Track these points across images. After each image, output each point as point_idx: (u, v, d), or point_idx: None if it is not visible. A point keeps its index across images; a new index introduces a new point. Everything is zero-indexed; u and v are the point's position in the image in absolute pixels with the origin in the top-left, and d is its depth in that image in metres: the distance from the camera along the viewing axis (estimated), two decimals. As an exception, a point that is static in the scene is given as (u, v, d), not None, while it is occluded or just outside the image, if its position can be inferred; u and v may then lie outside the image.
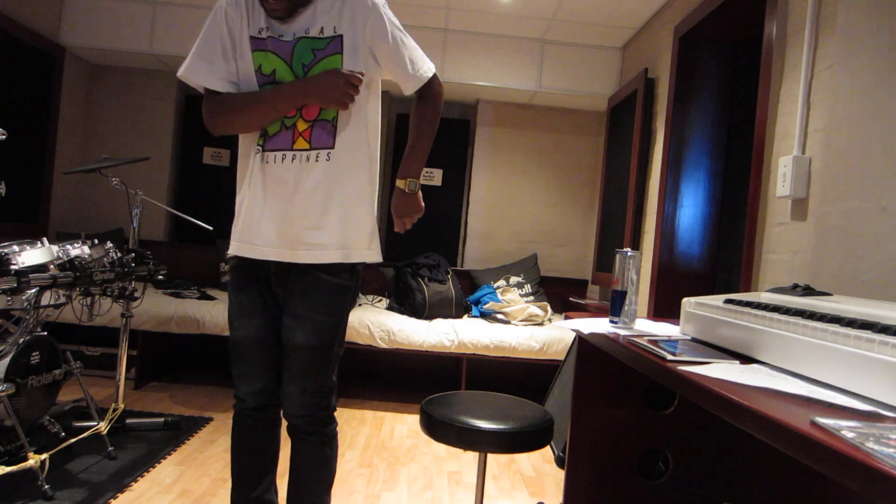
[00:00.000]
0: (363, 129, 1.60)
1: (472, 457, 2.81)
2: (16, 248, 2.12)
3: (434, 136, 1.70)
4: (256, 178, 1.53)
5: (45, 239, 2.29)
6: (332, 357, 1.57)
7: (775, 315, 1.01)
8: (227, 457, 2.57)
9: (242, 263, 1.57)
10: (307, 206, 1.51)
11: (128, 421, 2.75)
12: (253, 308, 1.56)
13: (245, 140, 1.58)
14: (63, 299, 2.41)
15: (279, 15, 1.49)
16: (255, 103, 1.51)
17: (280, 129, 1.52)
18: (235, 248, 1.57)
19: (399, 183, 1.68)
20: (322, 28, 1.51)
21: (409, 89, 1.64)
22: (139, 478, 2.29)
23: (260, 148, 1.53)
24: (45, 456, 2.06)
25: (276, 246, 1.52)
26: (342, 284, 1.56)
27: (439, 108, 1.69)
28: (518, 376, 4.01)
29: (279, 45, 1.51)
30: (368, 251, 1.60)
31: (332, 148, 1.53)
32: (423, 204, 1.68)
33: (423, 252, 4.28)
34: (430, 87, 1.66)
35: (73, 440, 2.31)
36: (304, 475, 1.64)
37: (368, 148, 1.63)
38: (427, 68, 1.64)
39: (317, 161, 1.51)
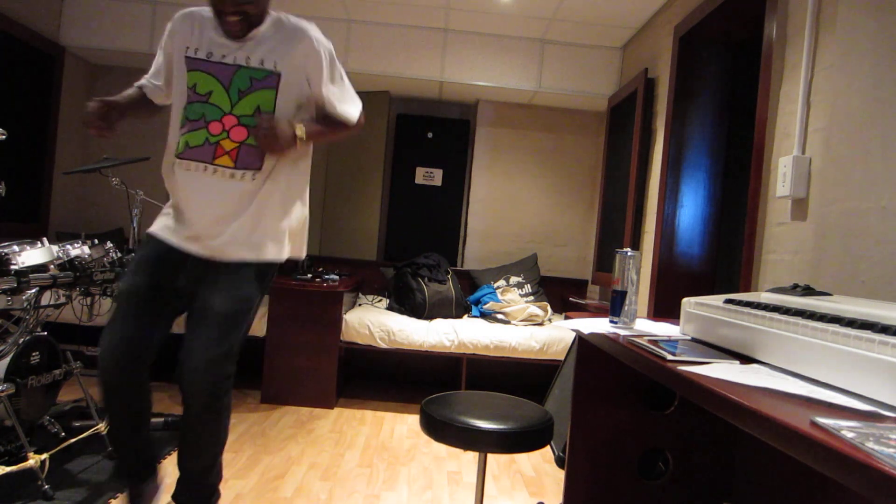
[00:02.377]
0: (290, 155, 1.72)
1: (472, 457, 2.81)
2: (16, 248, 2.12)
3: (333, 136, 1.85)
4: (179, 181, 1.69)
5: (45, 239, 2.29)
6: (240, 327, 1.65)
7: (775, 315, 1.01)
8: (227, 457, 2.57)
9: (159, 241, 1.69)
10: (229, 214, 1.65)
11: (128, 421, 2.74)
12: (151, 272, 1.65)
13: (169, 138, 1.74)
14: (63, 299, 2.41)
15: (236, 34, 1.61)
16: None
17: (203, 143, 1.64)
18: (162, 230, 1.69)
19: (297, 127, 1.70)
20: (262, 60, 1.64)
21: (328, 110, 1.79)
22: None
23: (179, 158, 1.68)
24: (45, 456, 2.06)
25: (198, 240, 1.66)
26: (260, 266, 1.70)
27: (349, 132, 1.85)
28: (518, 376, 4.00)
29: (219, 69, 1.63)
30: (279, 253, 1.74)
31: (259, 170, 1.67)
32: (287, 143, 1.65)
33: (423, 252, 4.28)
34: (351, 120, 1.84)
35: (73, 440, 2.30)
36: (194, 439, 1.69)
37: (296, 168, 1.77)
38: (353, 114, 1.81)
39: (241, 180, 1.65)
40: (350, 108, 1.80)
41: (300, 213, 1.81)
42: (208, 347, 1.59)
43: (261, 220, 1.68)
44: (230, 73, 1.62)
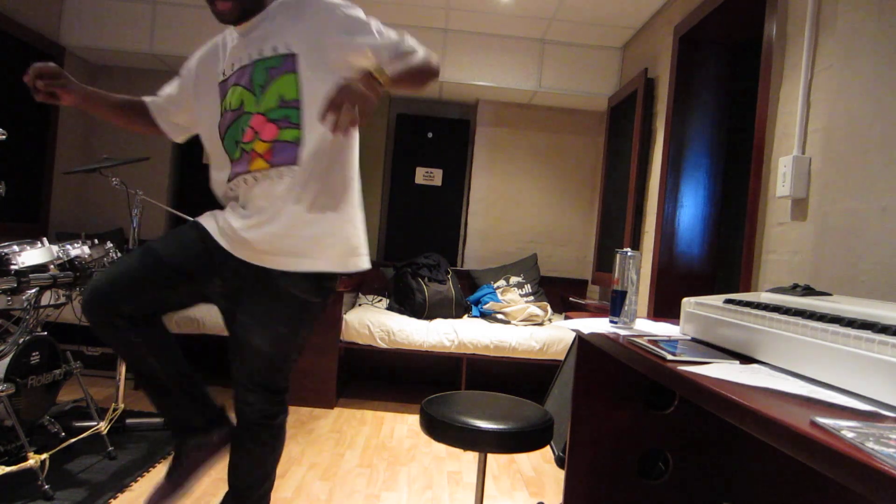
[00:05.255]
0: (335, 145, 1.51)
1: (472, 457, 2.81)
2: (16, 248, 2.12)
3: (419, 78, 1.47)
4: (230, 201, 1.58)
5: (45, 239, 2.29)
6: (288, 358, 1.55)
7: (775, 315, 1.01)
8: (227, 457, 2.57)
9: (208, 237, 1.53)
10: (271, 218, 1.48)
11: (128, 421, 2.75)
12: (188, 255, 1.51)
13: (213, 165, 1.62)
14: (63, 299, 2.41)
15: (229, 19, 1.50)
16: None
17: (240, 156, 1.52)
18: (212, 228, 1.53)
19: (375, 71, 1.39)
20: (275, 47, 1.48)
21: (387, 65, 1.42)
22: (139, 478, 2.29)
23: (224, 179, 1.57)
24: (45, 456, 2.06)
25: (246, 248, 1.49)
26: (304, 299, 1.52)
27: (431, 72, 1.49)
28: (518, 376, 4.01)
29: (239, 75, 1.52)
30: (340, 264, 1.55)
31: (295, 164, 1.48)
32: (367, 94, 1.30)
33: (423, 252, 4.28)
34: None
35: (73, 440, 2.30)
36: (247, 462, 1.59)
37: (339, 161, 1.55)
38: (419, 53, 1.47)
39: (280, 179, 1.48)
40: (412, 49, 1.48)
41: (353, 213, 1.58)
42: (253, 379, 1.51)
43: (306, 223, 1.49)
44: (248, 73, 1.50)
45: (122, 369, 2.73)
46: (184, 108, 1.67)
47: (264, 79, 1.48)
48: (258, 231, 1.48)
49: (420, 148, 4.64)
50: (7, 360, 2.08)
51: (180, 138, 1.74)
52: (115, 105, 1.69)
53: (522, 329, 3.70)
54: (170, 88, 1.69)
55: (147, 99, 1.70)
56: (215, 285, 1.55)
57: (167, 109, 1.69)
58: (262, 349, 1.49)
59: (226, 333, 1.61)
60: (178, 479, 1.58)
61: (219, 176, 1.59)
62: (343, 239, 1.55)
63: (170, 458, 1.63)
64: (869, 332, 0.81)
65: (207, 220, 1.55)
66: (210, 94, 1.58)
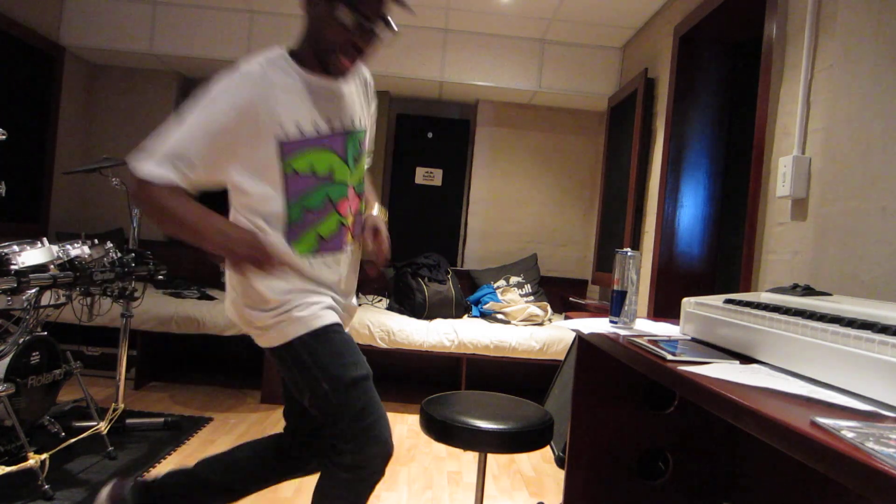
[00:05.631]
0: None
1: (472, 457, 2.81)
2: (16, 248, 2.12)
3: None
4: (318, 274, 1.39)
5: (45, 239, 2.29)
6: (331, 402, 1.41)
7: (775, 315, 1.01)
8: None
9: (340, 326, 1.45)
10: (354, 284, 1.52)
11: (128, 421, 2.75)
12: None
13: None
14: (63, 299, 2.41)
15: (343, 73, 1.36)
16: (191, 232, 1.28)
17: (337, 228, 1.40)
18: (333, 315, 1.43)
19: (380, 212, 1.55)
20: (360, 119, 1.42)
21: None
22: (139, 478, 2.29)
23: (313, 256, 1.39)
24: (45, 456, 2.06)
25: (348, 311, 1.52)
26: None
27: None
28: (518, 376, 4.00)
29: (335, 140, 1.36)
30: None
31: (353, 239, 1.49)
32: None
33: (423, 252, 4.28)
34: None
35: (73, 440, 2.30)
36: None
37: None
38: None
39: (355, 250, 1.49)
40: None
41: None
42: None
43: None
44: (342, 141, 1.37)
45: (122, 369, 2.73)
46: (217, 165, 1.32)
47: (357, 152, 1.42)
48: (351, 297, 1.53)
49: (420, 148, 4.64)
50: (7, 360, 2.08)
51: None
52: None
53: (522, 329, 3.70)
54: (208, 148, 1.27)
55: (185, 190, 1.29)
56: None
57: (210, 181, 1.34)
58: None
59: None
60: None
61: (281, 237, 1.35)
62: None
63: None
64: (869, 332, 0.81)
65: (332, 317, 1.42)
66: (271, 148, 1.30)
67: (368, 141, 1.52)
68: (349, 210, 1.42)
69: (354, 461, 1.39)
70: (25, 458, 2.00)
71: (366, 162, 1.51)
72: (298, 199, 1.34)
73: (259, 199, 1.32)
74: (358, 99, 1.45)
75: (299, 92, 1.32)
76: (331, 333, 1.38)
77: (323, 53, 1.31)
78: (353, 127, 1.40)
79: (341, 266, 1.44)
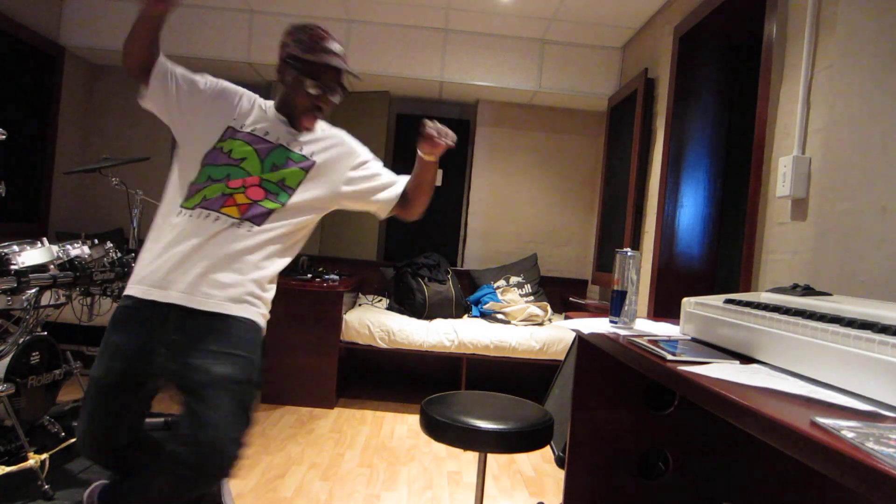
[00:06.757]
0: (289, 243, 1.66)
1: (472, 457, 2.81)
2: (16, 248, 2.12)
3: (429, 192, 1.81)
4: (176, 226, 1.55)
5: (45, 239, 2.29)
6: (253, 393, 1.53)
7: (775, 315, 1.01)
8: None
9: (136, 305, 1.51)
10: (219, 262, 1.51)
11: (128, 421, 2.74)
12: (129, 352, 1.49)
13: (169, 201, 1.63)
14: (63, 299, 2.41)
15: (308, 129, 1.68)
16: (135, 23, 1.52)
17: (218, 195, 1.55)
18: (138, 291, 1.51)
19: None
20: (302, 148, 1.66)
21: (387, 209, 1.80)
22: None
23: (185, 209, 1.55)
24: (45, 456, 2.06)
25: (185, 292, 1.48)
26: (243, 340, 1.53)
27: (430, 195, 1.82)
28: (518, 376, 4.01)
29: (258, 141, 1.62)
30: (258, 316, 1.58)
31: (259, 225, 1.57)
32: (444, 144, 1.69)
33: (423, 252, 4.28)
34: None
35: (73, 440, 2.30)
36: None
37: (293, 238, 1.68)
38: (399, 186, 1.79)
39: (238, 229, 1.54)
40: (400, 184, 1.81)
41: (273, 283, 1.66)
42: (229, 424, 1.44)
43: (247, 274, 1.55)
44: (268, 150, 1.62)
45: (122, 369, 2.72)
46: (179, 97, 1.62)
47: (281, 162, 1.62)
48: (202, 274, 1.54)
49: (420, 148, 4.63)
50: (7, 360, 2.08)
51: (147, 104, 1.64)
52: (156, 32, 1.57)
53: (522, 329, 3.70)
54: (188, 74, 1.65)
55: (163, 57, 1.60)
56: (159, 357, 1.57)
57: (169, 78, 1.61)
58: (227, 374, 1.55)
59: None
60: None
61: (177, 194, 1.60)
62: (262, 296, 1.64)
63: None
64: (869, 332, 0.81)
65: (136, 289, 1.57)
66: (212, 123, 1.63)
67: (379, 185, 1.76)
68: (241, 187, 1.57)
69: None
70: (25, 458, 2.00)
71: (296, 180, 1.64)
72: (207, 165, 1.60)
73: (186, 154, 1.63)
74: (329, 152, 1.70)
75: (263, 114, 1.68)
76: None
77: (292, 111, 1.66)
78: (288, 147, 1.64)
79: (200, 225, 1.53)
